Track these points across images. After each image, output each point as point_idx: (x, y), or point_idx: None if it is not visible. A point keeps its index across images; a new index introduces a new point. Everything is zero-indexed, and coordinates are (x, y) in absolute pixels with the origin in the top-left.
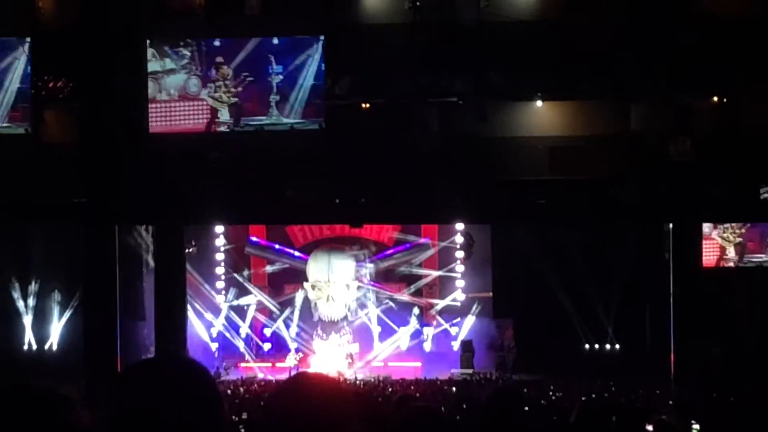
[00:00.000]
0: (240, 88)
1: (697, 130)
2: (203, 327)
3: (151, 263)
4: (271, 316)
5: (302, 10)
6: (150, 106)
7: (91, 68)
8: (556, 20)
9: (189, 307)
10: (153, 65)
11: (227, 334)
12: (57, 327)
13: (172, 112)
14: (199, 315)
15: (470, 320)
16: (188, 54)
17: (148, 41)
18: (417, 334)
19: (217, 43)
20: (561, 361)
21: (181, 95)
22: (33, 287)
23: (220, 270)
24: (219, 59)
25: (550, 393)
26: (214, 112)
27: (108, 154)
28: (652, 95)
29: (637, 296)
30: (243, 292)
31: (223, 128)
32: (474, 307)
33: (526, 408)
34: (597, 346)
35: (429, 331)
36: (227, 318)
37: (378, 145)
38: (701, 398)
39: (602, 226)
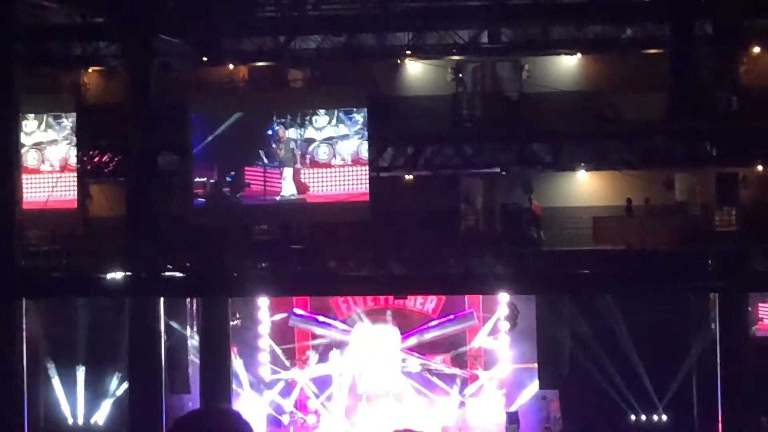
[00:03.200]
0: None
1: (741, 199)
2: (248, 400)
3: (196, 336)
4: (316, 389)
5: (345, 83)
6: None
7: (136, 143)
8: (598, 90)
9: (233, 379)
10: None
11: (271, 408)
12: (105, 402)
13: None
14: (244, 388)
15: (516, 391)
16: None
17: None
18: (461, 405)
19: None
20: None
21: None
22: (82, 363)
23: (264, 343)
24: None
25: None
26: None
27: (153, 227)
28: (695, 165)
29: (684, 366)
30: (286, 364)
31: None
32: (519, 379)
33: None
34: (644, 417)
35: (473, 403)
36: (271, 391)
37: (421, 217)
38: None
39: (648, 297)
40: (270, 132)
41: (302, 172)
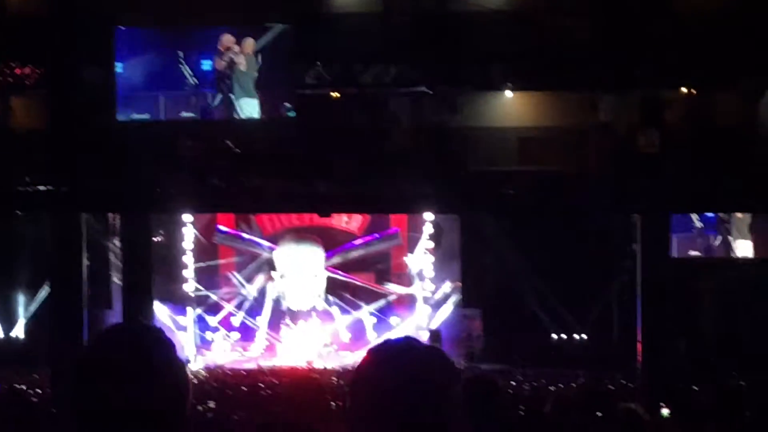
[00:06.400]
0: None
1: (666, 121)
2: (170, 316)
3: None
4: (239, 306)
5: None
6: None
7: (58, 56)
8: (527, 11)
9: (156, 295)
10: None
11: (194, 325)
12: (23, 316)
13: None
14: (166, 304)
15: (440, 310)
16: None
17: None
18: (383, 323)
19: None
20: (529, 351)
21: None
22: None
23: (188, 259)
24: None
25: (516, 383)
26: None
27: (75, 141)
28: (622, 87)
29: (606, 287)
30: (211, 281)
31: None
32: (442, 297)
33: (498, 398)
34: (565, 336)
35: (396, 321)
36: (195, 307)
37: (347, 135)
38: (669, 387)
39: (571, 218)
40: None
41: None
